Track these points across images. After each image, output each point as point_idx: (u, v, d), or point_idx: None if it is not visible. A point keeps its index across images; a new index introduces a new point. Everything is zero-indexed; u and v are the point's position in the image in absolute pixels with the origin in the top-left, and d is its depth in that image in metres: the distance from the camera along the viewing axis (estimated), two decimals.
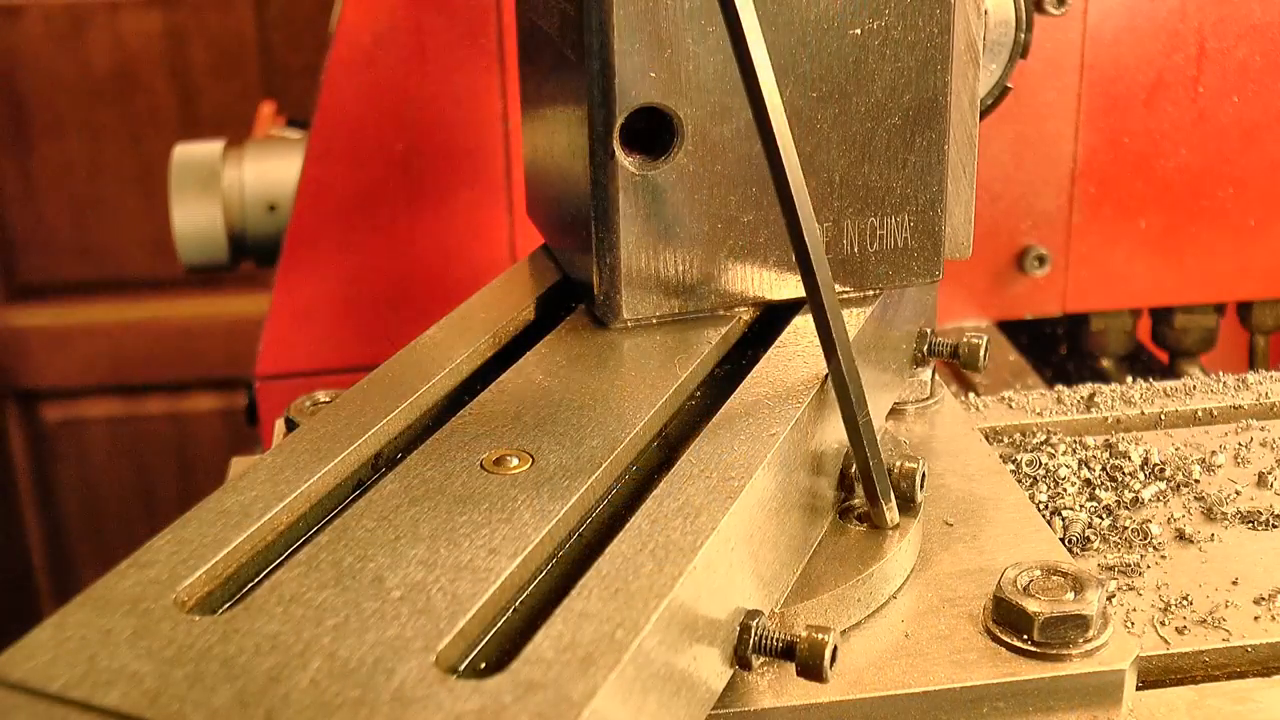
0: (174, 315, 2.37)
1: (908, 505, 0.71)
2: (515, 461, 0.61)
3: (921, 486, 0.70)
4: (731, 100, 0.70)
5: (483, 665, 0.51)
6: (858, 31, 0.71)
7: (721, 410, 0.66)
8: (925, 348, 0.86)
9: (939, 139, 0.74)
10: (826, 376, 0.68)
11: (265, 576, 0.56)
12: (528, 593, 0.55)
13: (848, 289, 0.76)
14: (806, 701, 0.63)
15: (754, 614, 0.59)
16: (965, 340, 0.85)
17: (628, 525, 0.56)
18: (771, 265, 0.74)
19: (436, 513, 0.58)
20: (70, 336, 2.38)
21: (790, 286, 0.75)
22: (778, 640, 0.58)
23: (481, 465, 0.61)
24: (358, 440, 0.64)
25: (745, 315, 0.76)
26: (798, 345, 0.72)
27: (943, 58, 0.73)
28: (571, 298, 0.80)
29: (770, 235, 0.74)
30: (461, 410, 0.67)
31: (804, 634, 0.57)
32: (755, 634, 0.58)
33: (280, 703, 0.46)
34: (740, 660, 0.58)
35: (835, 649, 0.58)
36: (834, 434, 0.70)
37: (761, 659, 0.59)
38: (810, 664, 0.57)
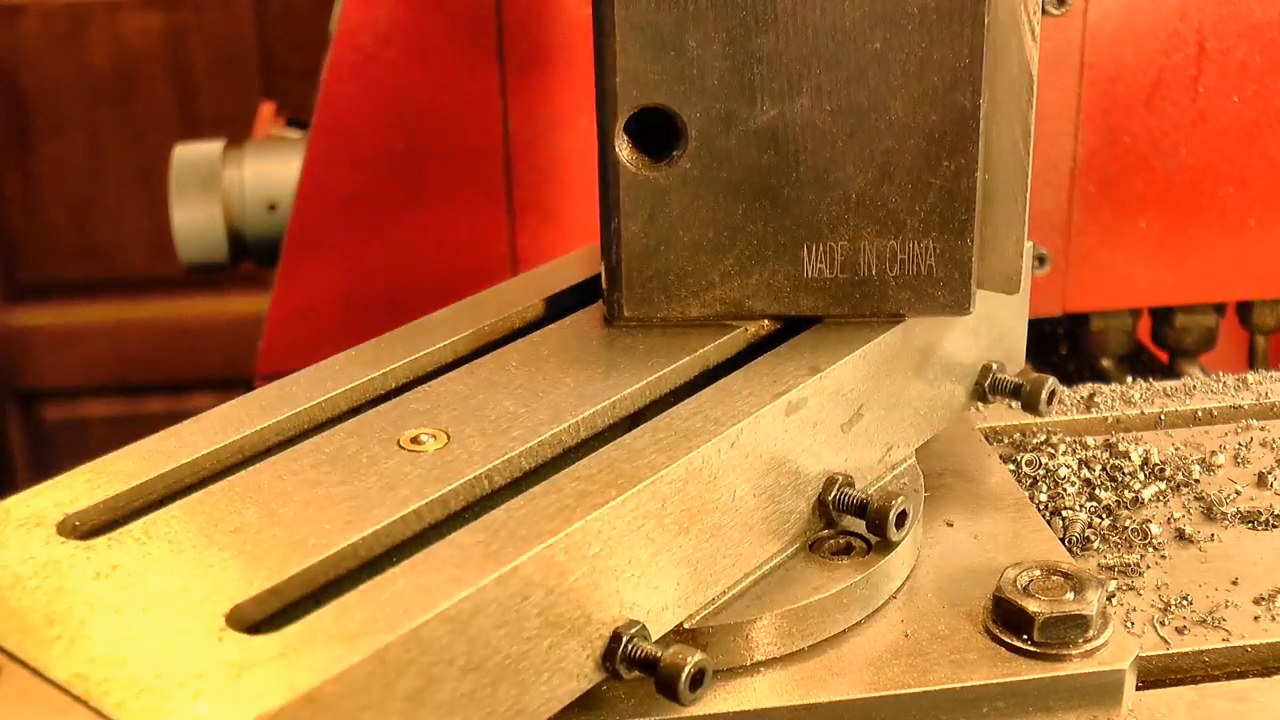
0: (174, 315, 2.37)
1: (886, 543, 0.70)
2: (430, 441, 0.63)
3: (899, 525, 0.69)
4: (738, 107, 0.69)
5: (277, 627, 0.52)
6: (878, 46, 0.68)
7: (657, 418, 0.65)
8: (989, 383, 0.82)
9: (969, 165, 0.70)
10: (786, 394, 0.66)
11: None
12: (376, 567, 0.56)
13: (864, 312, 0.73)
14: (806, 701, 0.63)
15: (631, 624, 0.58)
16: (1028, 378, 0.81)
17: (485, 516, 0.57)
18: (780, 279, 0.72)
19: (330, 478, 0.60)
20: (70, 336, 2.38)
21: (798, 303, 0.73)
22: (644, 654, 0.58)
23: (399, 442, 0.63)
24: (314, 400, 0.67)
25: (752, 328, 0.74)
26: (775, 365, 0.69)
27: (973, 80, 0.69)
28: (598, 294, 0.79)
29: (778, 249, 0.72)
30: (419, 386, 0.69)
31: (669, 653, 0.57)
32: (626, 645, 0.58)
33: (83, 631, 0.50)
34: (610, 669, 0.58)
35: (700, 673, 0.57)
36: (804, 456, 0.68)
37: (635, 671, 0.58)
38: (667, 684, 0.57)
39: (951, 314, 0.73)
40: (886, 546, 0.69)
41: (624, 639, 0.58)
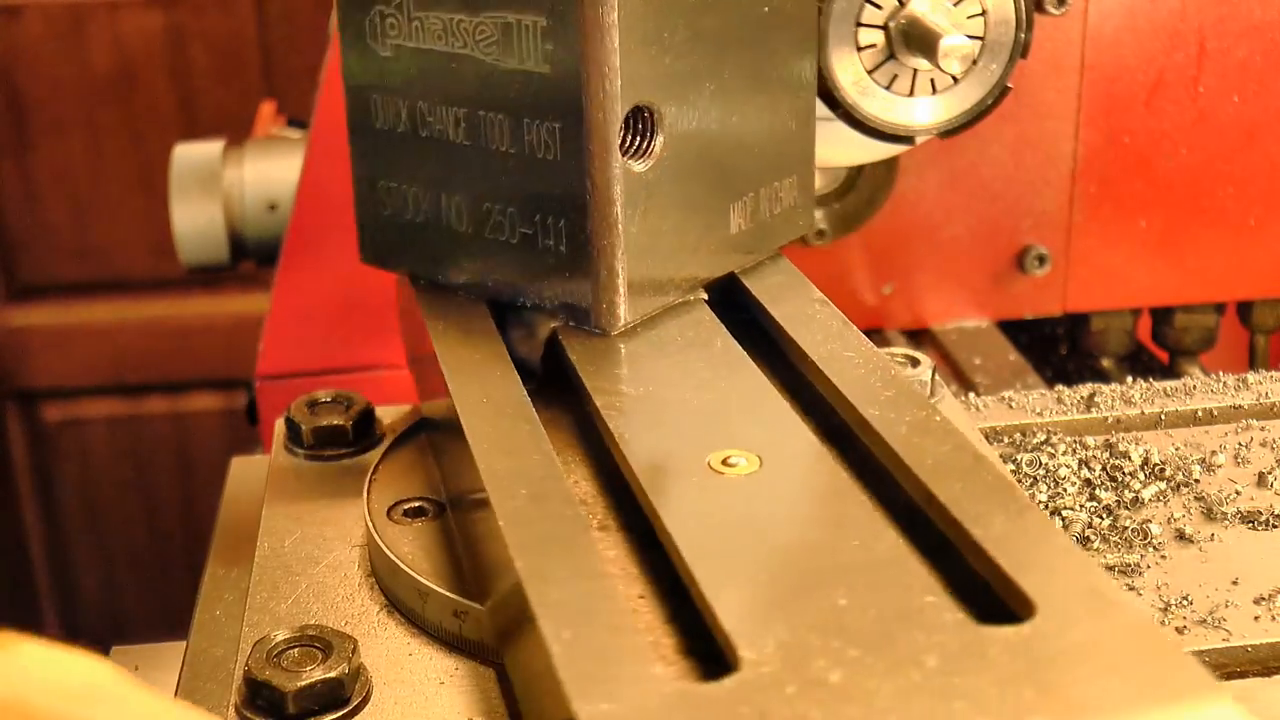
0: (174, 315, 2.37)
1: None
2: (742, 462, 0.58)
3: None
4: (692, 88, 0.72)
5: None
6: (766, 10, 0.76)
7: (826, 376, 0.68)
8: None
9: (810, 101, 0.81)
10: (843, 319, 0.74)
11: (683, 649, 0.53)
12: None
13: (761, 254, 0.80)
14: None
15: None
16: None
17: (944, 499, 0.57)
18: (716, 243, 0.77)
19: (799, 524, 0.57)
20: (70, 336, 2.38)
21: (725, 262, 0.78)
22: None
23: (711, 467, 0.59)
24: (554, 481, 0.59)
25: (700, 297, 0.78)
26: (793, 303, 0.77)
27: (812, 29, 0.80)
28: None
29: (717, 215, 0.76)
30: (610, 436, 0.64)
31: None
32: None
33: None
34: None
35: None
36: None
37: None
38: None
39: (802, 233, 0.83)
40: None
41: None
